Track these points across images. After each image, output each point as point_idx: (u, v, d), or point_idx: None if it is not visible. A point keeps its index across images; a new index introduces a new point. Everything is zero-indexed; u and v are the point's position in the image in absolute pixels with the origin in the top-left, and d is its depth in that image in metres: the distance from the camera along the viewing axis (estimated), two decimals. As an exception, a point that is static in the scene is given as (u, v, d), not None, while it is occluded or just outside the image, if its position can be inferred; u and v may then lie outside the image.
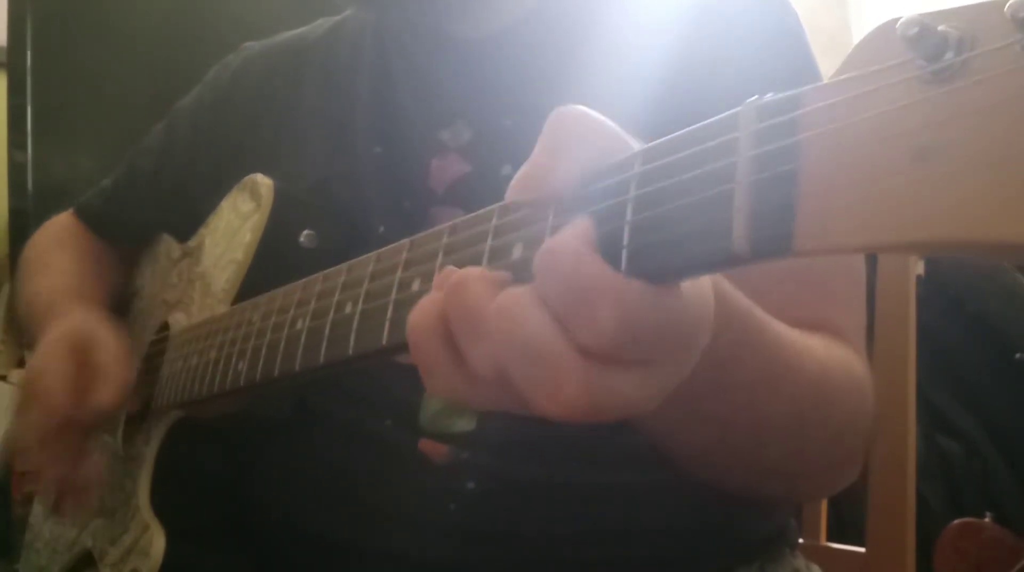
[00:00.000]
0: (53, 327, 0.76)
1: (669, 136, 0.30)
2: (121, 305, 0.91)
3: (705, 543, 0.65)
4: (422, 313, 0.34)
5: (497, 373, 0.32)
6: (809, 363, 0.50)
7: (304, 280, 0.54)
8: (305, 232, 0.67)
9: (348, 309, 0.46)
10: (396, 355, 0.42)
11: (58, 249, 0.92)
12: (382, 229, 0.67)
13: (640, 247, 0.29)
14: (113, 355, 0.73)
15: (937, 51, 0.22)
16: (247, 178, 0.73)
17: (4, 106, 1.46)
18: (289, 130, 0.77)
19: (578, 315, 0.30)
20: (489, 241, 0.36)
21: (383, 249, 0.45)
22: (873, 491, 0.88)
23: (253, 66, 0.84)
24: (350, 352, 0.45)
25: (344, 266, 0.49)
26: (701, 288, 0.32)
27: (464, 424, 0.62)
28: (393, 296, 0.42)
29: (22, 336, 1.05)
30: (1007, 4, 0.21)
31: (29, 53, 1.43)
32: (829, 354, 0.54)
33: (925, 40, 0.22)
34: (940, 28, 0.22)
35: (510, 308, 0.31)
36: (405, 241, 0.43)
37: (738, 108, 0.27)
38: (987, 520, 1.32)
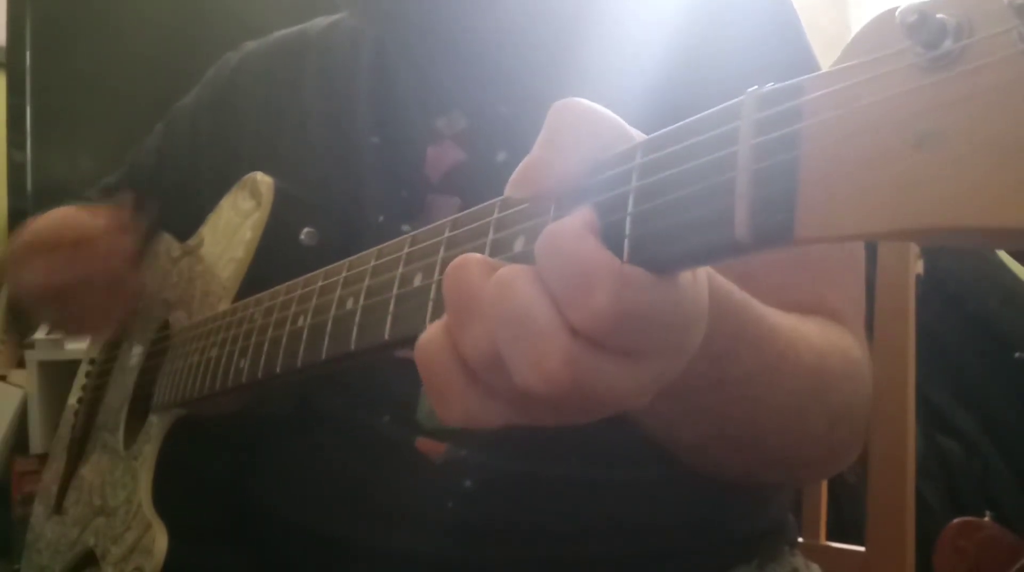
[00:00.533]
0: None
1: (670, 127, 0.30)
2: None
3: (702, 540, 0.65)
4: (430, 334, 0.34)
5: (491, 357, 0.32)
6: (805, 352, 0.50)
7: (305, 276, 0.54)
8: (306, 230, 0.68)
9: (350, 305, 0.46)
10: (398, 350, 0.42)
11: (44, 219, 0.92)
12: (381, 218, 0.67)
13: (642, 237, 0.29)
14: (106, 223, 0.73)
15: (936, 38, 0.22)
16: (247, 176, 0.73)
17: (3, 106, 1.46)
18: (289, 126, 0.77)
19: (575, 295, 0.30)
20: (491, 235, 0.36)
21: (384, 244, 0.45)
22: (872, 490, 0.88)
23: (252, 63, 0.84)
24: (352, 348, 0.45)
25: (345, 262, 0.49)
26: (698, 286, 0.32)
27: None
28: (395, 291, 0.42)
29: (22, 336, 1.05)
30: None
31: (28, 53, 1.43)
32: (825, 340, 0.54)
33: (924, 27, 0.22)
34: (939, 16, 0.22)
35: (505, 279, 0.31)
36: (406, 236, 0.43)
37: (740, 97, 0.27)
38: (986, 519, 1.32)
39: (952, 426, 1.49)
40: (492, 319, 0.31)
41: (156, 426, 0.72)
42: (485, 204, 0.37)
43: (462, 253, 0.37)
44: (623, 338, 0.30)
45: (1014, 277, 1.52)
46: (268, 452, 0.71)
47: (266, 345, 0.56)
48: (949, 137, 0.21)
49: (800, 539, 0.79)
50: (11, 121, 1.42)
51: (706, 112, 0.29)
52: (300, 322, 0.52)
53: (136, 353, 0.82)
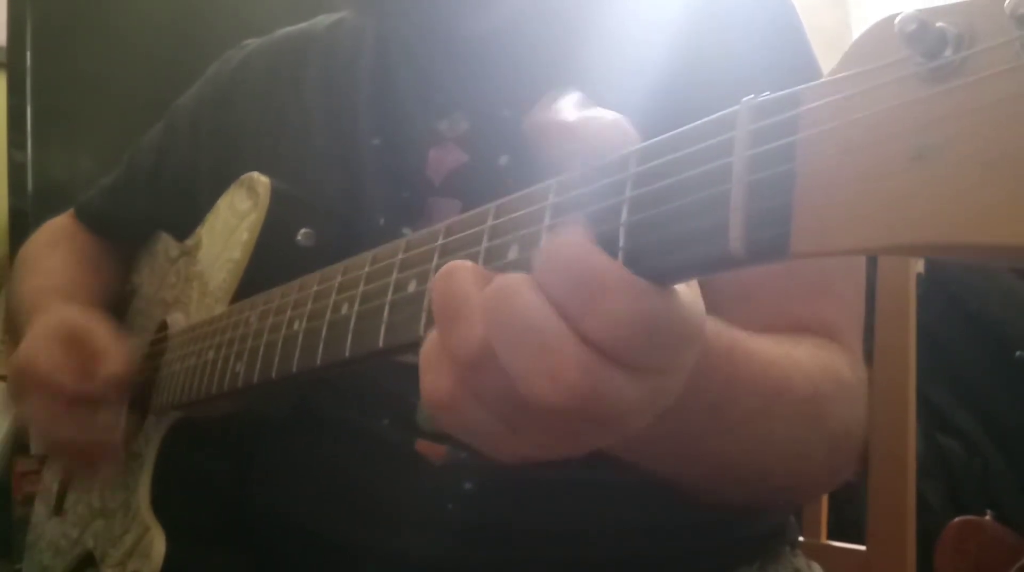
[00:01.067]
0: (36, 322, 0.76)
1: (665, 135, 0.30)
2: (119, 303, 0.91)
3: (704, 542, 0.65)
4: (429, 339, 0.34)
5: (478, 357, 0.31)
6: (800, 382, 0.50)
7: (300, 280, 0.54)
8: (303, 230, 0.67)
9: (344, 310, 0.46)
10: (392, 357, 0.42)
11: (50, 250, 0.92)
12: (382, 221, 0.67)
13: (636, 248, 0.29)
14: (106, 335, 0.73)
15: (936, 48, 0.22)
16: (244, 176, 0.73)
17: (4, 106, 1.46)
18: (289, 126, 0.76)
19: (583, 305, 0.29)
20: (484, 242, 0.36)
21: (378, 249, 0.45)
22: (873, 490, 0.88)
23: (253, 62, 0.84)
24: (347, 354, 0.44)
25: (340, 266, 0.49)
26: (695, 299, 0.31)
27: None
28: (389, 297, 0.41)
29: (22, 337, 1.05)
30: (1006, 1, 0.21)
31: (29, 53, 1.43)
32: (818, 366, 0.53)
33: (924, 37, 0.22)
34: (939, 24, 0.22)
35: (505, 288, 0.30)
36: (401, 241, 0.43)
37: (735, 107, 0.27)
38: (987, 518, 1.31)
39: (952, 425, 1.48)
40: (489, 325, 0.31)
41: (154, 428, 0.72)
42: (479, 210, 0.37)
43: (456, 260, 0.37)
44: (630, 350, 0.29)
45: (1014, 277, 1.52)
46: (267, 455, 0.71)
47: (261, 349, 0.56)
48: (948, 151, 0.21)
49: (801, 538, 0.78)
50: (11, 121, 1.42)
51: (701, 121, 0.28)
52: (295, 327, 0.52)
53: (136, 353, 0.81)
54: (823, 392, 0.52)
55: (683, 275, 0.29)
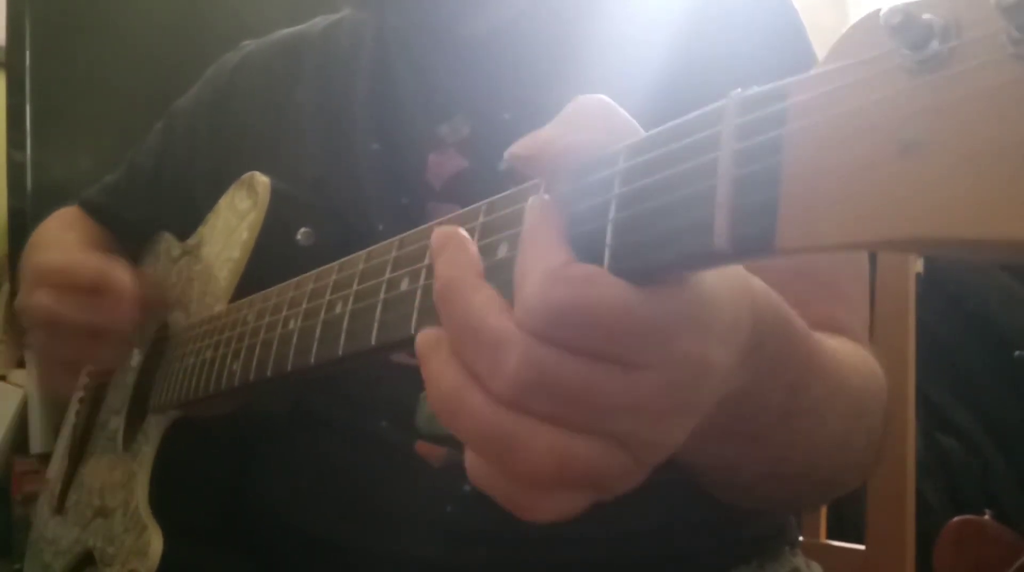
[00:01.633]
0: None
1: (653, 131, 0.30)
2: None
3: (703, 542, 0.65)
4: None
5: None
6: (850, 375, 0.50)
7: (297, 279, 0.54)
8: (302, 230, 0.67)
9: (339, 309, 0.46)
10: (385, 355, 0.42)
11: (64, 230, 0.92)
12: (381, 227, 0.67)
13: (622, 245, 0.29)
14: (116, 268, 0.73)
15: (922, 40, 0.22)
16: (244, 176, 0.73)
17: (3, 105, 1.46)
18: (287, 127, 0.76)
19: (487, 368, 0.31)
20: (475, 240, 0.35)
21: (373, 248, 0.45)
22: (872, 489, 0.88)
23: (251, 63, 0.84)
24: (340, 352, 0.44)
25: (335, 265, 0.49)
26: (693, 289, 0.30)
27: None
28: (382, 296, 0.41)
29: (22, 335, 1.05)
30: None
31: (28, 53, 1.43)
32: (859, 360, 0.53)
33: (909, 29, 0.22)
34: (924, 16, 0.22)
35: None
36: (394, 239, 0.43)
37: (722, 101, 0.27)
38: (986, 517, 1.31)
39: (952, 424, 1.48)
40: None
41: (154, 427, 0.72)
42: (470, 208, 0.37)
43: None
44: (612, 350, 0.29)
45: (1009, 275, 1.52)
46: (266, 456, 0.71)
47: (257, 348, 0.56)
48: (935, 144, 0.21)
49: (800, 538, 0.78)
50: (10, 121, 1.42)
51: (689, 116, 0.28)
52: (291, 325, 0.52)
53: (136, 353, 0.82)
54: (866, 387, 0.53)
55: (669, 271, 0.29)
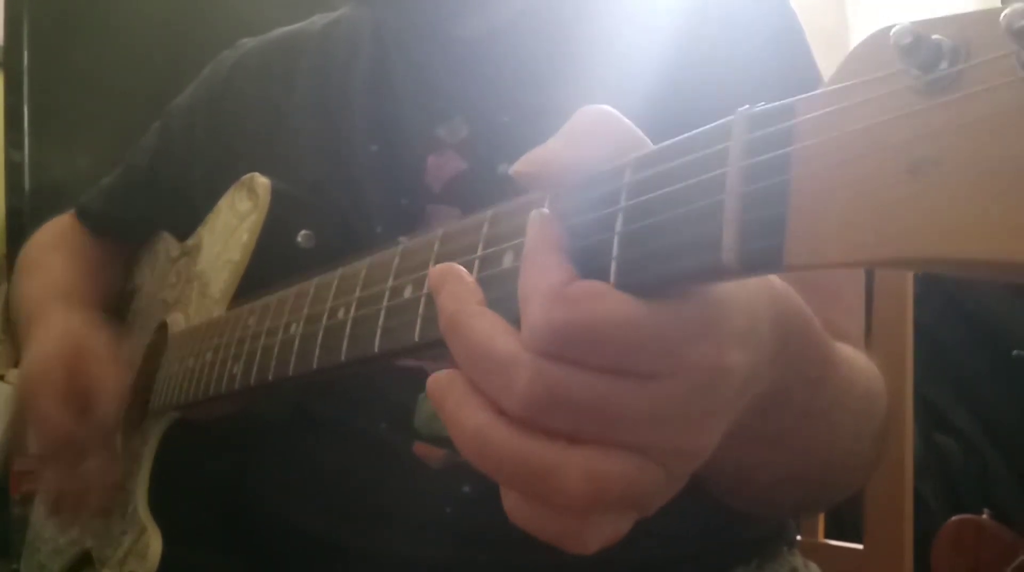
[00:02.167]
0: (39, 332, 0.76)
1: (661, 145, 0.30)
2: (120, 303, 0.91)
3: (702, 542, 0.65)
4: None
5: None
6: (859, 375, 0.50)
7: (298, 284, 0.54)
8: (303, 232, 0.67)
9: (341, 315, 0.46)
10: (388, 362, 0.42)
11: (50, 251, 0.92)
12: (380, 229, 0.67)
13: (630, 259, 0.29)
14: (105, 363, 0.73)
15: (931, 61, 0.22)
16: (245, 177, 0.72)
17: (1, 105, 1.45)
18: (285, 128, 0.76)
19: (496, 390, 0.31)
20: (480, 250, 0.36)
21: (375, 255, 0.45)
22: (871, 488, 0.88)
23: (248, 63, 0.84)
24: (343, 358, 0.44)
25: (337, 271, 0.49)
26: (699, 298, 0.30)
27: None
28: (385, 303, 0.41)
29: (20, 338, 1.05)
30: (1002, 14, 0.21)
31: (26, 53, 1.43)
32: (864, 361, 0.53)
33: (919, 49, 0.22)
34: (934, 37, 0.22)
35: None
36: (397, 248, 0.43)
37: (730, 117, 0.27)
38: (984, 517, 1.32)
39: (950, 424, 1.48)
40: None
41: (153, 428, 0.72)
42: (474, 218, 0.37)
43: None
44: (600, 355, 0.29)
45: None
46: (265, 457, 0.71)
47: (259, 352, 0.56)
48: (944, 165, 0.21)
49: (798, 537, 0.79)
50: (9, 121, 1.42)
51: (697, 130, 0.28)
52: (292, 330, 0.52)
53: (136, 353, 0.82)
54: (871, 388, 0.53)
55: (676, 285, 0.29)
